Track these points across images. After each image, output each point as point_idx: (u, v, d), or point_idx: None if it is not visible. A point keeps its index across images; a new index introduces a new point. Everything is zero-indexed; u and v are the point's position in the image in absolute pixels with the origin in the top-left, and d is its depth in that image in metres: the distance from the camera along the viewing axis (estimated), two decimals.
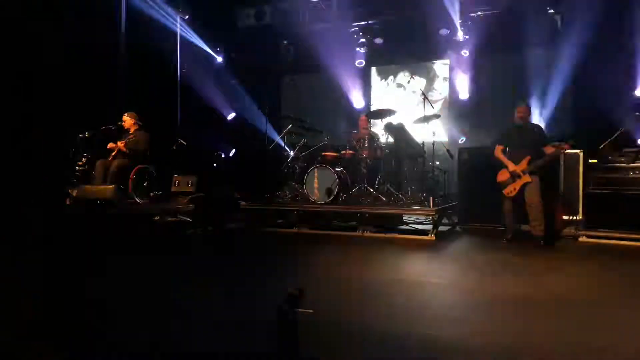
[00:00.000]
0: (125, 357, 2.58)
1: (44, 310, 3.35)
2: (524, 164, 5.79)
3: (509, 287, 4.10)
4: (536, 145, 5.87)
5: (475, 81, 10.11)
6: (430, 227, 6.83)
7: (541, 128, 6.13)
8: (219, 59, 12.00)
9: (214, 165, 10.11)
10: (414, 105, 10.30)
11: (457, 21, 9.72)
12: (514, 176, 5.84)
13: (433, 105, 7.84)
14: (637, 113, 6.39)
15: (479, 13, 9.55)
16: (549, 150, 5.83)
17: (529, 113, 6.04)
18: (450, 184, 8.75)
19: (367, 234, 6.90)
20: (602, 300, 3.71)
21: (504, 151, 6.06)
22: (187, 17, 10.77)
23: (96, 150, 7.58)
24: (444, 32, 9.81)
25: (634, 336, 2.88)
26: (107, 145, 7.61)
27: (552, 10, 8.92)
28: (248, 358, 2.31)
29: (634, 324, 3.11)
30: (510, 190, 5.90)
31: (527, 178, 5.78)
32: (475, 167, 7.44)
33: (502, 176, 6.00)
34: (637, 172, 5.85)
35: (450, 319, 3.20)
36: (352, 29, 10.79)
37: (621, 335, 2.88)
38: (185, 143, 10.49)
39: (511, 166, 5.86)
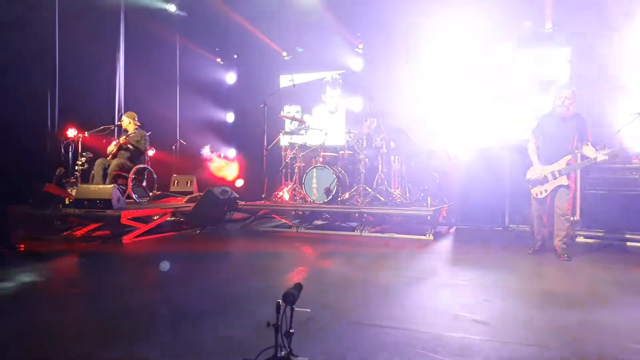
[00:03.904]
0: None
1: None
2: (562, 163, 5.03)
3: (505, 286, 4.13)
4: (575, 141, 5.04)
5: None
6: (428, 227, 6.86)
7: (584, 120, 5.09)
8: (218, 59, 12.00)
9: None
10: None
11: None
12: (545, 179, 5.12)
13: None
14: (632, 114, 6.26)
15: None
16: (588, 150, 5.03)
17: (571, 100, 5.04)
18: (448, 184, 8.77)
19: (366, 233, 6.93)
20: (597, 298, 3.74)
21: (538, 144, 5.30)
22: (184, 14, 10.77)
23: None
24: None
25: (630, 334, 2.91)
26: (107, 148, 7.62)
27: None
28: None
29: (627, 322, 3.15)
30: (540, 191, 5.18)
31: (562, 180, 5.02)
32: (474, 167, 7.47)
33: (533, 173, 5.27)
34: (634, 173, 5.86)
35: (446, 317, 3.23)
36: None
37: (617, 333, 2.91)
38: (185, 142, 10.54)
39: (538, 169, 5.13)
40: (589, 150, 5.05)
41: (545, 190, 5.15)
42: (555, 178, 5.07)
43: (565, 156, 5.06)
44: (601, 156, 4.91)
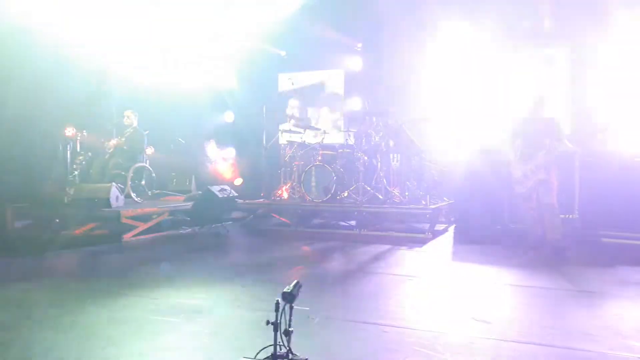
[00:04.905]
0: None
1: None
2: (538, 158, 5.25)
3: (504, 283, 4.13)
4: (549, 139, 5.26)
5: None
6: (427, 225, 6.86)
7: (556, 120, 5.43)
8: None
9: None
10: None
11: None
12: (525, 175, 5.34)
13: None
14: None
15: None
16: (565, 145, 5.31)
17: (542, 104, 5.43)
18: (448, 183, 8.76)
19: (365, 231, 6.93)
20: (596, 295, 3.75)
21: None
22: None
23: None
24: None
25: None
26: (106, 146, 7.61)
27: None
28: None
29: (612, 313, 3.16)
30: (524, 188, 5.38)
31: (542, 175, 5.23)
32: (474, 165, 7.45)
33: (517, 172, 5.50)
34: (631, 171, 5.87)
35: (445, 315, 3.23)
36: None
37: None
38: (183, 141, 10.51)
39: (517, 168, 5.34)
40: (563, 145, 5.33)
41: (529, 187, 5.30)
42: (534, 174, 5.24)
43: (540, 152, 5.23)
44: (569, 145, 5.26)
